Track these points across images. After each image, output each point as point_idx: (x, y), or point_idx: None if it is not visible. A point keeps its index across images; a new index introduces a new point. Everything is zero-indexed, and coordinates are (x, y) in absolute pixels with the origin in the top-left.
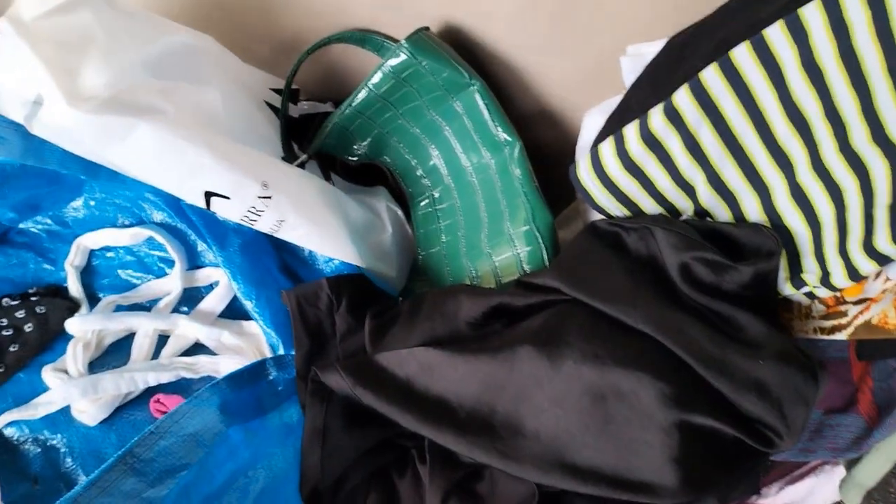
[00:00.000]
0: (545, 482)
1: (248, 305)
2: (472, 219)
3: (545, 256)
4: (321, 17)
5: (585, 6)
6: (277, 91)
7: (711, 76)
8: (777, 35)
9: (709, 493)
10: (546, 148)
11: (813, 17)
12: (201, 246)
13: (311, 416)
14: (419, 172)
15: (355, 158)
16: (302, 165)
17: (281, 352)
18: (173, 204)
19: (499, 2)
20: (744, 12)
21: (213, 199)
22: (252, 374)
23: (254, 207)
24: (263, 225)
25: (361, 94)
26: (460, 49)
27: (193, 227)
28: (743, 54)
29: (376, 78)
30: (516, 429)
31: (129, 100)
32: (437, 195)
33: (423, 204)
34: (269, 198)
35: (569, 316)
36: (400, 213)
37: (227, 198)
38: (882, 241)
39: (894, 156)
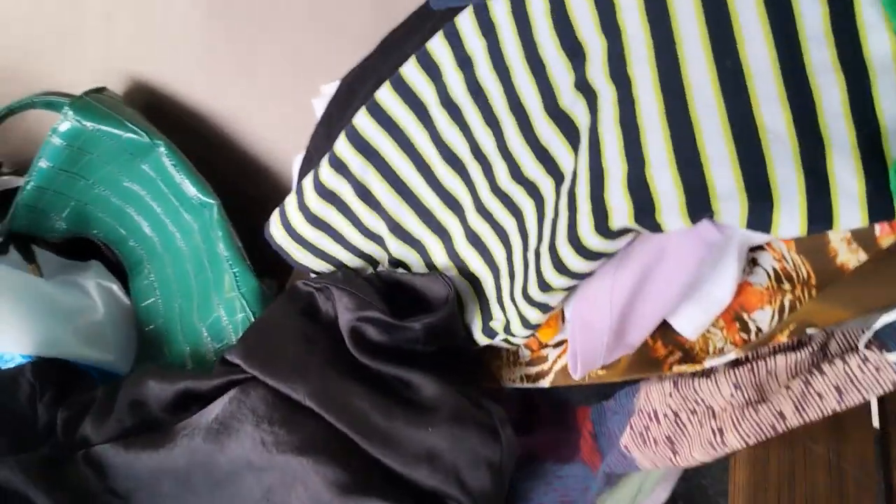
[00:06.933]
0: None
1: None
2: (184, 289)
3: None
4: (8, 81)
5: (270, 50)
6: None
7: (363, 121)
8: (412, 72)
9: None
10: (262, 200)
11: (440, 50)
12: None
13: None
14: (132, 243)
15: (57, 234)
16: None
17: None
18: None
19: (179, 54)
20: (399, 46)
21: None
22: None
23: None
24: None
25: (39, 168)
26: (154, 107)
27: None
28: (387, 95)
29: (48, 149)
30: None
31: None
32: (151, 266)
33: (140, 276)
34: None
35: (245, 398)
36: (115, 288)
37: None
38: (533, 289)
39: (536, 195)
